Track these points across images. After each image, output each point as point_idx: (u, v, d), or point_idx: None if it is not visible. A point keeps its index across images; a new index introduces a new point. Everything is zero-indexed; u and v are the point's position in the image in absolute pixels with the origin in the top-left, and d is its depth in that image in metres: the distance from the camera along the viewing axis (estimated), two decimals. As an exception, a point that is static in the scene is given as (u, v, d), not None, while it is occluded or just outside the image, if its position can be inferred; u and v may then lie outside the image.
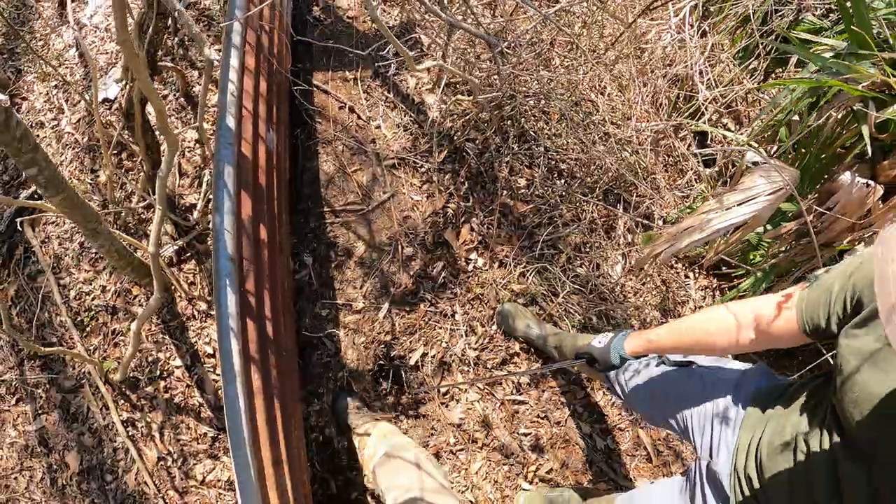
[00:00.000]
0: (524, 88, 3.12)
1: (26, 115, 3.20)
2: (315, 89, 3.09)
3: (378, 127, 3.04)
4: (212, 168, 2.76)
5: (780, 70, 3.23)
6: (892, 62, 2.25)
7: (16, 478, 2.58)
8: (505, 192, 2.95)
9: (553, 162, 3.06)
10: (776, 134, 2.88)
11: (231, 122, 2.05)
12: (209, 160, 2.85)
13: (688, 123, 3.20)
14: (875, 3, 2.57)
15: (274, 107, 2.48)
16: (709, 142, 3.35)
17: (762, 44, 3.06)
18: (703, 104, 3.02)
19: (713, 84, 3.14)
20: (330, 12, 3.34)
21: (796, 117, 2.68)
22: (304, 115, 3.01)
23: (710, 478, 1.53)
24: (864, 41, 2.29)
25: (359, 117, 3.04)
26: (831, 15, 2.99)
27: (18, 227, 2.86)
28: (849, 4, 2.35)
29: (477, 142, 3.03)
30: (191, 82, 3.07)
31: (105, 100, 3.10)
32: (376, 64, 3.13)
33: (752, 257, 2.88)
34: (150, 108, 2.63)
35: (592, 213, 2.99)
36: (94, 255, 2.77)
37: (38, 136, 3.10)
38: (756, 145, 2.72)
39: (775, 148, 2.90)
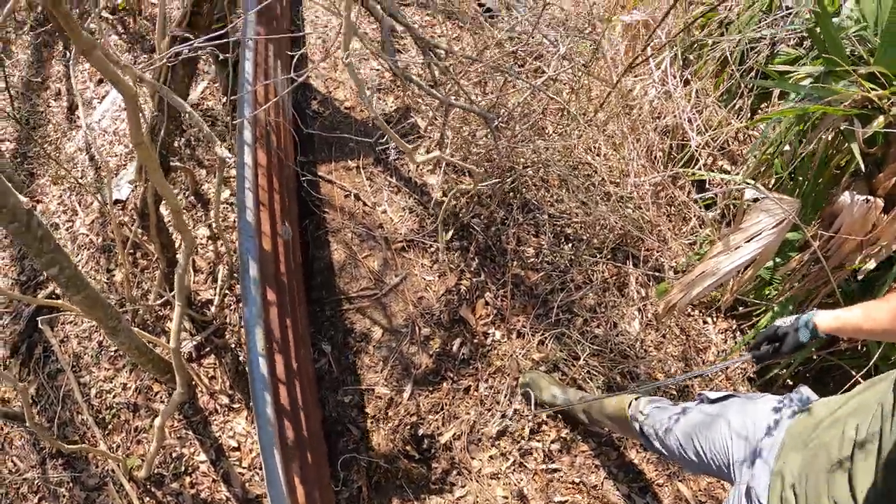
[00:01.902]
0: (522, 160, 3.21)
1: (41, 217, 3.28)
2: (320, 180, 3.18)
3: (384, 212, 3.11)
4: (226, 263, 2.83)
5: (766, 105, 3.33)
6: (869, 76, 2.33)
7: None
8: (515, 262, 2.99)
9: (558, 227, 3.12)
10: (771, 167, 2.95)
11: (251, 217, 2.12)
12: (222, 256, 2.91)
13: (684, 172, 3.27)
14: (844, 21, 2.66)
15: (286, 200, 2.55)
16: (707, 186, 3.42)
17: (743, 82, 3.15)
18: (696, 150, 3.09)
19: (703, 129, 3.23)
20: (328, 104, 3.47)
21: (787, 147, 2.75)
22: (311, 206, 3.09)
23: (748, 496, 1.52)
24: (838, 62, 2.38)
25: (364, 204, 3.12)
26: (805, 42, 3.08)
27: (38, 327, 2.87)
28: (819, 31, 2.44)
29: (482, 217, 3.10)
30: (199, 181, 3.17)
31: (117, 201, 3.18)
32: (377, 150, 3.23)
33: (766, 292, 2.89)
34: (163, 208, 2.70)
35: (603, 272, 3.03)
36: (113, 353, 2.79)
37: (53, 238, 3.17)
38: (753, 181, 2.78)
39: (773, 181, 2.96)
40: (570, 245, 3.09)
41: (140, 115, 1.62)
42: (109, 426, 2.66)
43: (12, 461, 2.70)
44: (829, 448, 1.35)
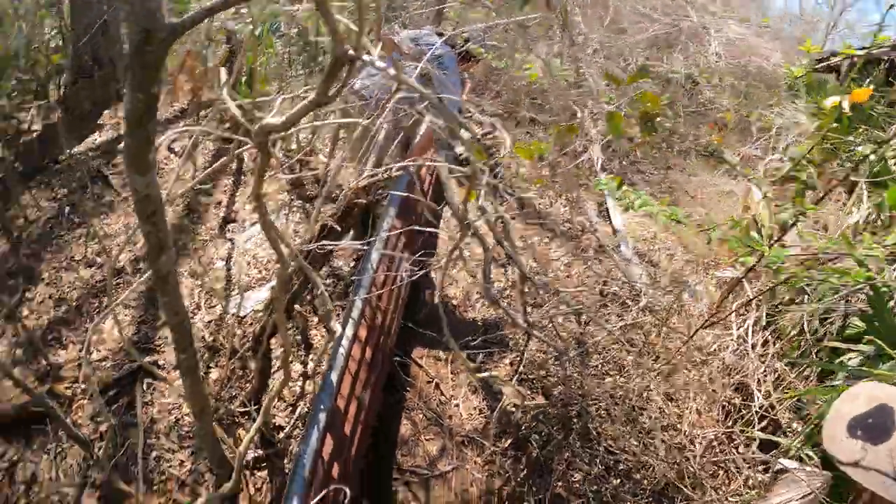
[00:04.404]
0: (593, 392, 3.42)
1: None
2: (412, 361, 3.55)
3: (457, 405, 3.39)
4: (308, 403, 3.16)
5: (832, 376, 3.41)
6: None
7: None
8: (560, 483, 3.14)
9: (611, 462, 3.25)
10: (819, 434, 2.99)
11: (334, 377, 2.56)
12: (307, 395, 3.26)
13: (741, 430, 3.35)
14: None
15: (373, 373, 2.91)
16: (757, 447, 3.45)
17: (812, 352, 3.30)
18: (757, 411, 3.18)
19: (770, 392, 3.35)
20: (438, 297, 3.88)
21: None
22: (396, 381, 3.43)
23: None
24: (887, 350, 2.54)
25: (442, 393, 3.43)
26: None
27: (134, 382, 3.29)
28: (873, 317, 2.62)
29: (542, 434, 3.30)
30: (309, 326, 3.60)
31: (236, 314, 3.63)
32: (467, 353, 3.56)
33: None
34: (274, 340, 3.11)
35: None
36: (184, 433, 3.14)
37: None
38: (806, 450, 2.85)
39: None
40: (618, 480, 3.19)
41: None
42: (154, 488, 2.96)
43: (57, 472, 3.01)
44: None
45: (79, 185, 4.82)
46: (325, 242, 2.49)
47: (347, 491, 2.27)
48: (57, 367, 3.43)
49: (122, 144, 5.11)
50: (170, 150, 5.10)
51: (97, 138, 5.50)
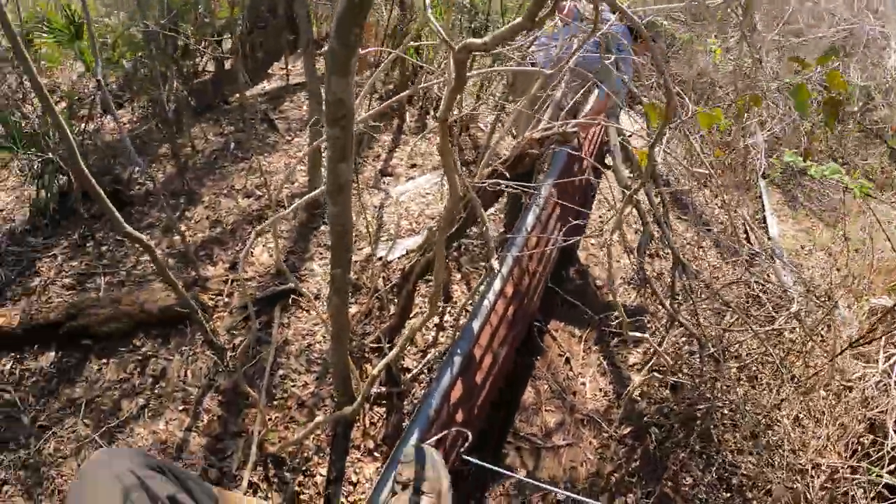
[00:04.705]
0: (722, 396, 3.26)
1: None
2: (547, 332, 3.50)
3: (583, 384, 3.33)
4: (438, 352, 3.19)
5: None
6: None
7: None
8: (670, 483, 3.01)
9: (725, 473, 3.09)
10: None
11: (475, 326, 2.55)
12: (439, 344, 3.33)
13: (868, 468, 3.09)
14: None
15: (511, 332, 2.89)
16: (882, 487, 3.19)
17: None
18: (888, 451, 2.92)
19: None
20: (582, 274, 3.82)
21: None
22: (529, 347, 3.39)
23: None
24: None
25: (571, 369, 3.37)
26: None
27: (275, 304, 3.47)
28: None
29: (662, 428, 3.18)
30: (452, 280, 3.61)
31: (383, 258, 3.72)
32: (602, 329, 3.48)
33: None
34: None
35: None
36: (313, 359, 3.27)
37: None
38: None
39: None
40: (728, 494, 3.04)
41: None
42: (274, 402, 3.08)
43: (187, 371, 3.20)
44: None
45: (245, 124, 5.10)
46: (493, 181, 2.48)
47: (469, 435, 2.26)
48: (204, 279, 3.65)
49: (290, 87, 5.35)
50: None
51: (266, 86, 5.81)
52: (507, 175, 2.55)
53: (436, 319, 3.41)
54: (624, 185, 3.25)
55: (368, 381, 2.46)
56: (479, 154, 4.82)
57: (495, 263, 2.18)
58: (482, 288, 2.74)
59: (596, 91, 3.67)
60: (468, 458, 2.19)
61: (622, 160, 3.46)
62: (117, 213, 2.36)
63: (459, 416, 2.45)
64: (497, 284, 2.71)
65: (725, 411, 3.27)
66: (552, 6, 1.38)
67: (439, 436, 2.24)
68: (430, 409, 2.26)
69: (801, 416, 3.35)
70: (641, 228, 3.96)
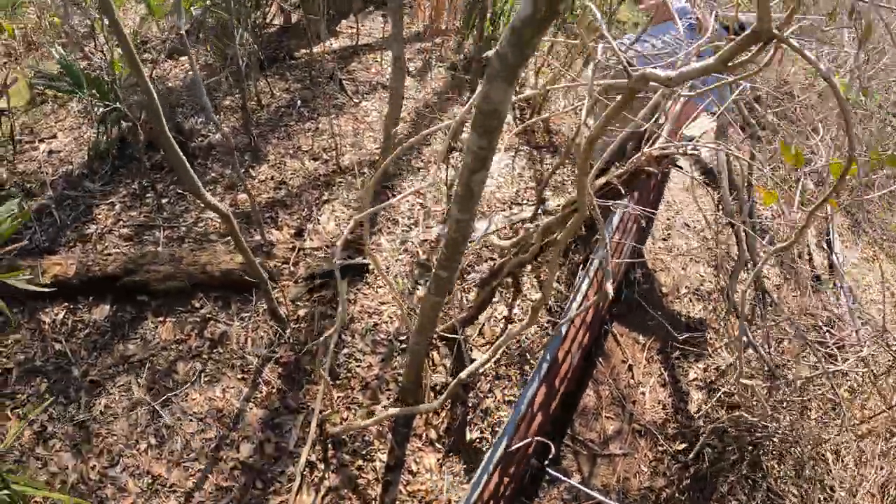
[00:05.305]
0: (779, 427, 3.21)
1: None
2: (612, 334, 3.44)
3: (643, 393, 3.28)
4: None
5: None
6: None
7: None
8: (716, 504, 2.99)
9: (770, 500, 3.06)
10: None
11: (564, 329, 2.57)
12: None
13: None
14: None
15: (588, 334, 2.85)
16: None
17: None
18: None
19: None
20: (649, 279, 3.75)
21: None
22: (594, 351, 3.36)
23: None
24: None
25: (633, 377, 3.33)
26: None
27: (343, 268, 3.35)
28: None
29: (716, 450, 3.15)
30: (522, 272, 3.56)
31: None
32: (668, 341, 3.42)
33: None
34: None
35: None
36: (380, 339, 3.22)
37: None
38: None
39: None
40: None
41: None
42: (338, 381, 3.04)
43: (246, 340, 3.14)
44: None
45: (313, 82, 5.00)
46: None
47: (552, 447, 2.24)
48: (270, 244, 3.57)
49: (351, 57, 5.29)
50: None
51: (333, 44, 5.69)
52: (622, 190, 2.47)
53: (504, 312, 3.36)
54: (728, 211, 3.17)
55: (454, 383, 2.41)
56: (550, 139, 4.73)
57: (609, 289, 2.11)
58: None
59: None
60: (553, 472, 2.17)
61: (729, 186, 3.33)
62: (194, 175, 2.31)
63: (538, 421, 2.43)
64: (584, 286, 2.66)
65: (775, 440, 3.23)
66: (750, 58, 1.29)
67: (522, 443, 2.22)
68: (518, 416, 2.25)
69: (847, 454, 3.31)
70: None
